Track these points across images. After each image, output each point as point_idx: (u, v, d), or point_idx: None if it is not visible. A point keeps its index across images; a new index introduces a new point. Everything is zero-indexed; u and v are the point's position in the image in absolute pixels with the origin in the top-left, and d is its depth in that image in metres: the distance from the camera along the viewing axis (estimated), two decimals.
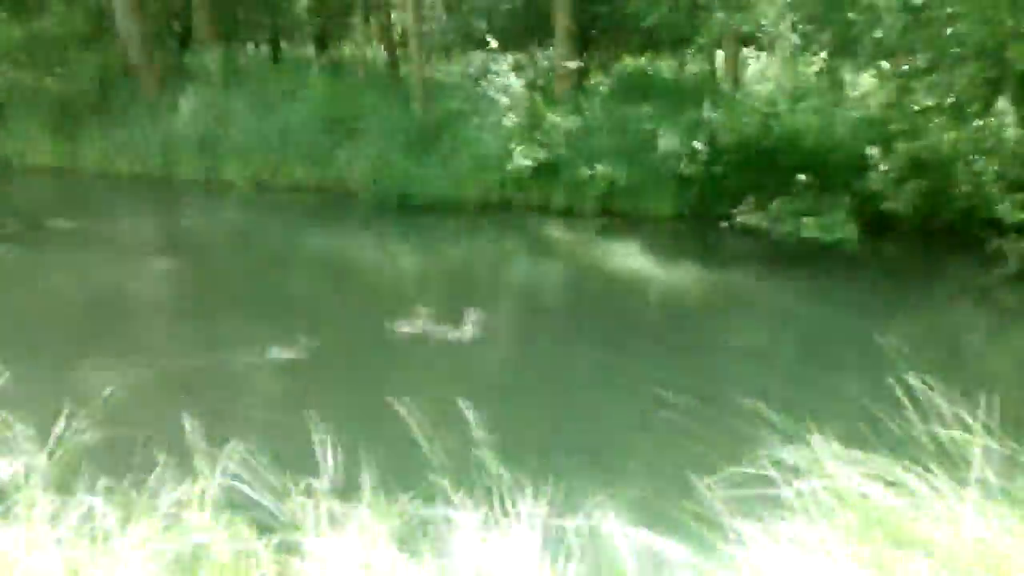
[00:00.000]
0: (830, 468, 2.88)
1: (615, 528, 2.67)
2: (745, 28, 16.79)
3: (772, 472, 2.98)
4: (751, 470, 2.99)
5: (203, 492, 3.32)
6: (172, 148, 19.81)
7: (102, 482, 3.45)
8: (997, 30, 11.26)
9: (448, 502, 3.21)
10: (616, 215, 16.40)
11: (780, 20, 16.56)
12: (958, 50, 12.03)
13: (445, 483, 3.30)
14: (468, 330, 10.10)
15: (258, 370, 8.98)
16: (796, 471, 2.97)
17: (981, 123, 13.55)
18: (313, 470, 3.48)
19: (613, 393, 8.62)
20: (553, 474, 3.25)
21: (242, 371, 8.98)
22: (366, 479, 3.35)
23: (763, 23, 16.62)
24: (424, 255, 14.88)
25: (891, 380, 3.37)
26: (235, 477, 3.42)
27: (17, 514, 3.29)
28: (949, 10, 11.87)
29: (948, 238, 14.44)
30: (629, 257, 14.02)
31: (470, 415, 3.66)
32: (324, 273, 13.54)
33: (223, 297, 11.60)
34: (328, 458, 3.44)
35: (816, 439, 2.97)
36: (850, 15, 13.72)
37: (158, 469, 3.50)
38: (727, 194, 15.67)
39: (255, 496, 3.35)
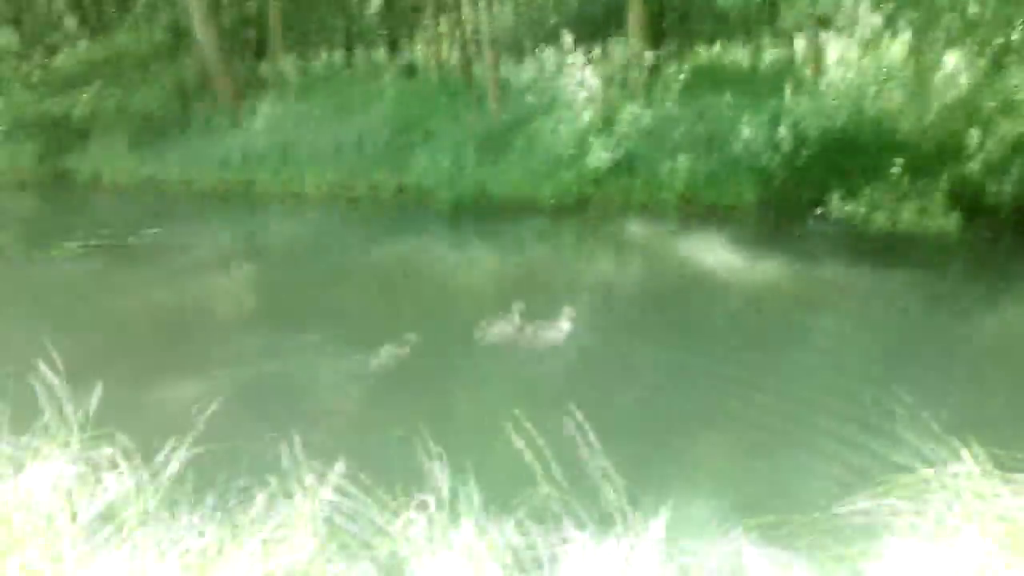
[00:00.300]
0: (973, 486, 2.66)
1: (749, 551, 2.50)
2: (825, 11, 16.26)
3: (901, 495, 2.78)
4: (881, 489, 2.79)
5: (309, 510, 3.27)
6: (251, 159, 20.10)
7: (209, 500, 3.43)
8: None
9: (559, 518, 3.08)
10: (697, 209, 16.06)
11: (861, 1, 16.04)
12: None
13: (554, 497, 3.19)
14: (557, 335, 9.96)
15: (354, 380, 8.98)
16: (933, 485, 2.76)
17: None
18: (419, 484, 3.41)
19: (722, 401, 8.35)
20: (668, 490, 3.11)
21: (337, 382, 9.01)
22: (474, 493, 3.25)
23: (843, 5, 16.12)
24: (505, 258, 14.73)
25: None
26: (341, 492, 3.36)
27: (126, 534, 3.28)
28: None
29: None
30: (713, 253, 13.68)
31: (573, 425, 3.54)
32: (406, 279, 13.53)
33: (310, 307, 11.66)
34: (435, 471, 3.35)
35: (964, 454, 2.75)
36: None
37: (264, 486, 3.47)
38: (811, 184, 15.23)
39: (361, 512, 3.29)
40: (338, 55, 30.69)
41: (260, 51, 27.69)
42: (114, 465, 3.58)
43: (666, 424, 7.74)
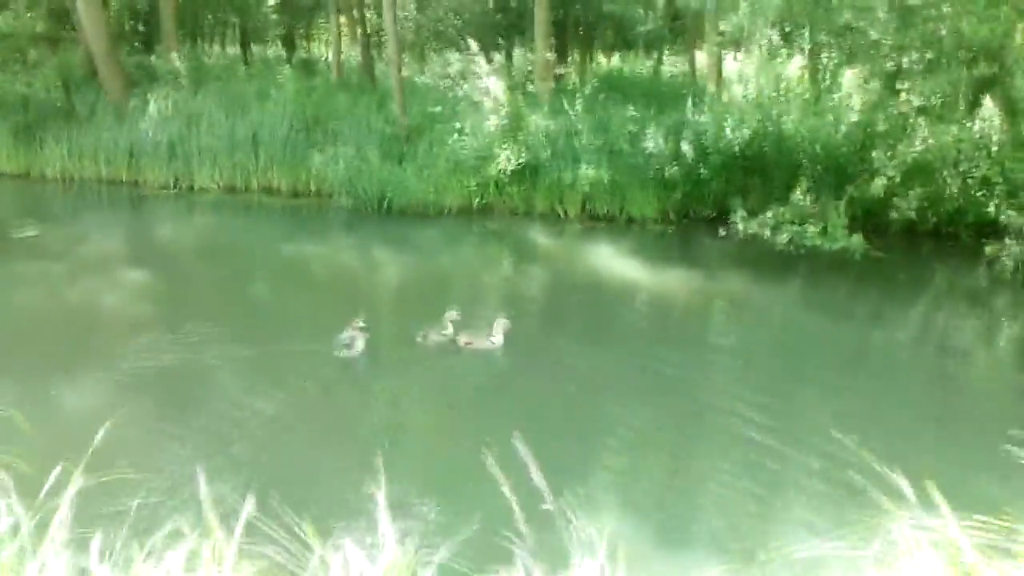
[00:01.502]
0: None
1: None
2: (727, 27, 16.54)
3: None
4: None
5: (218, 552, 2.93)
6: (140, 152, 19.23)
7: (98, 539, 3.04)
8: (996, 28, 11.11)
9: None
10: (600, 218, 16.11)
11: (760, 19, 16.35)
12: (952, 50, 11.83)
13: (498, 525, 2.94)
14: (457, 338, 9.76)
15: (249, 394, 8.55)
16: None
17: (968, 125, 13.41)
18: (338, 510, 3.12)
19: (630, 406, 8.30)
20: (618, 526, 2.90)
21: (220, 387, 8.56)
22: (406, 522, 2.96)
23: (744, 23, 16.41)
24: (406, 262, 14.43)
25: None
26: (253, 527, 3.03)
27: None
28: (947, 8, 11.69)
29: (935, 240, 14.36)
30: (617, 261, 13.71)
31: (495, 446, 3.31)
32: (302, 282, 13.06)
33: (195, 310, 10.99)
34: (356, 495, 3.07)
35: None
36: (843, 14, 13.45)
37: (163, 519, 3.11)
38: (713, 198, 15.47)
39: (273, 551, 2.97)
40: (232, 50, 29.87)
41: (149, 43, 26.64)
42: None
43: (587, 434, 7.61)
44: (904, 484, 2.70)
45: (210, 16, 31.56)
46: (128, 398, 8.32)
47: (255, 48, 30.71)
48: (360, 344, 9.45)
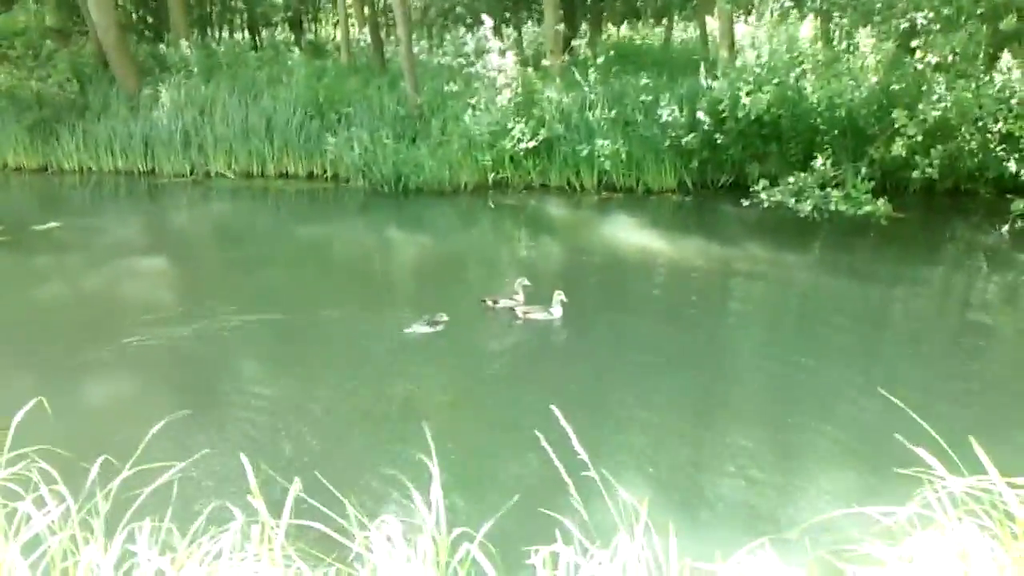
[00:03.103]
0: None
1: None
2: None
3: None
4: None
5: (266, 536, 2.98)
6: (155, 142, 19.30)
7: (146, 525, 3.10)
8: None
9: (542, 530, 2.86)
10: (617, 190, 16.07)
11: None
12: (970, 5, 11.65)
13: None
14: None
15: (271, 366, 8.63)
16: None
17: (988, 80, 13.21)
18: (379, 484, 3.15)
19: (659, 375, 8.33)
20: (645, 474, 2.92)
21: (255, 368, 8.65)
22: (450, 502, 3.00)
23: None
24: (423, 240, 14.48)
25: None
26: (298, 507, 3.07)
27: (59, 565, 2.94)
28: None
29: (954, 199, 14.24)
30: (636, 234, 13.67)
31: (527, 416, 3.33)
32: (321, 263, 13.13)
33: (222, 295, 11.04)
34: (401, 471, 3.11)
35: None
36: None
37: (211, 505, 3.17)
38: (730, 164, 15.37)
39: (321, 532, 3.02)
40: (241, 36, 29.83)
41: (159, 32, 26.62)
42: (36, 487, 3.21)
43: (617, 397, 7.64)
44: (943, 444, 2.71)
45: (217, 3, 31.54)
46: (157, 385, 8.43)
47: (263, 33, 30.64)
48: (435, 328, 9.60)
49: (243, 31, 31.57)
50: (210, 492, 5.82)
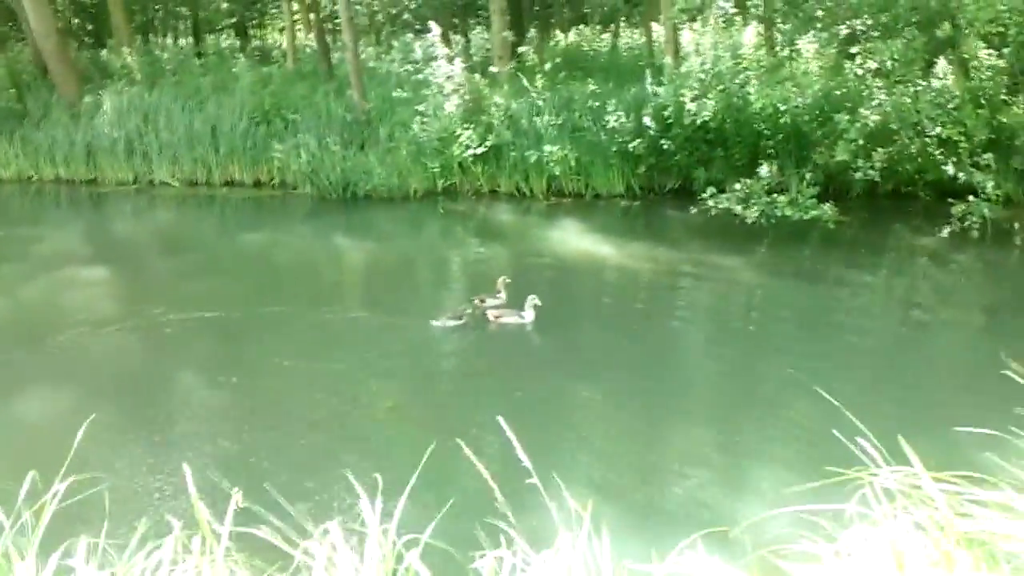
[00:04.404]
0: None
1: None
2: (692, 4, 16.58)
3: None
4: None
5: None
6: (98, 150, 18.94)
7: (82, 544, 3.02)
8: None
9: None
10: (566, 195, 16.13)
11: None
12: (906, 12, 11.95)
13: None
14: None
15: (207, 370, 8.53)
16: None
17: (925, 86, 13.53)
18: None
19: (600, 378, 8.39)
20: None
21: (192, 380, 8.53)
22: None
23: None
24: (370, 247, 14.44)
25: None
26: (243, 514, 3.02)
27: None
28: None
29: (895, 201, 14.53)
30: (585, 239, 13.75)
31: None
32: (265, 271, 13.00)
33: (161, 304, 10.84)
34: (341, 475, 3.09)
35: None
36: None
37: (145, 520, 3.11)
38: (677, 170, 15.51)
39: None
40: (185, 43, 29.47)
41: (100, 39, 26.19)
42: None
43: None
44: (875, 442, 2.76)
45: (160, 8, 31.09)
46: (97, 398, 8.28)
47: (208, 39, 30.27)
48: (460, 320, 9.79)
49: (187, 37, 31.16)
50: (149, 502, 5.74)
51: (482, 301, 10.14)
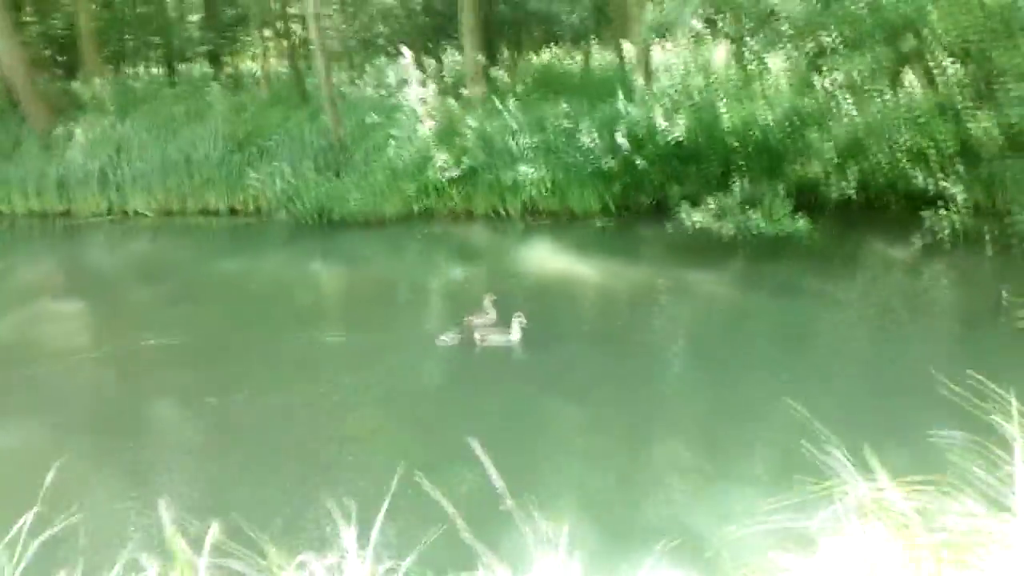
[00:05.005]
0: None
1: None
2: (653, 17, 16.68)
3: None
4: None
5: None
6: (71, 182, 18.80)
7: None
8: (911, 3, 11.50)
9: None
10: (542, 215, 16.17)
11: (686, 7, 16.53)
12: (872, 27, 12.14)
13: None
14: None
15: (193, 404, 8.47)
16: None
17: (893, 98, 13.71)
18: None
19: (584, 394, 8.40)
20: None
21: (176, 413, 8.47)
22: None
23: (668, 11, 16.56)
24: (347, 272, 14.43)
25: None
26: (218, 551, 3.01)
27: None
28: None
29: (868, 213, 14.67)
30: (561, 258, 13.80)
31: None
32: (242, 298, 12.93)
33: (134, 334, 10.84)
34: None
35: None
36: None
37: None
38: (651, 187, 15.60)
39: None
40: (158, 71, 29.37)
41: (71, 69, 26.05)
42: None
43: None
44: (848, 455, 2.79)
45: (131, 38, 30.97)
46: (69, 431, 8.19)
47: (180, 67, 30.18)
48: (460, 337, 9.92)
49: (160, 66, 31.02)
50: (125, 536, 5.69)
51: (470, 322, 10.11)
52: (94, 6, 25.26)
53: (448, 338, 9.88)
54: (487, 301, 10.27)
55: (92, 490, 6.58)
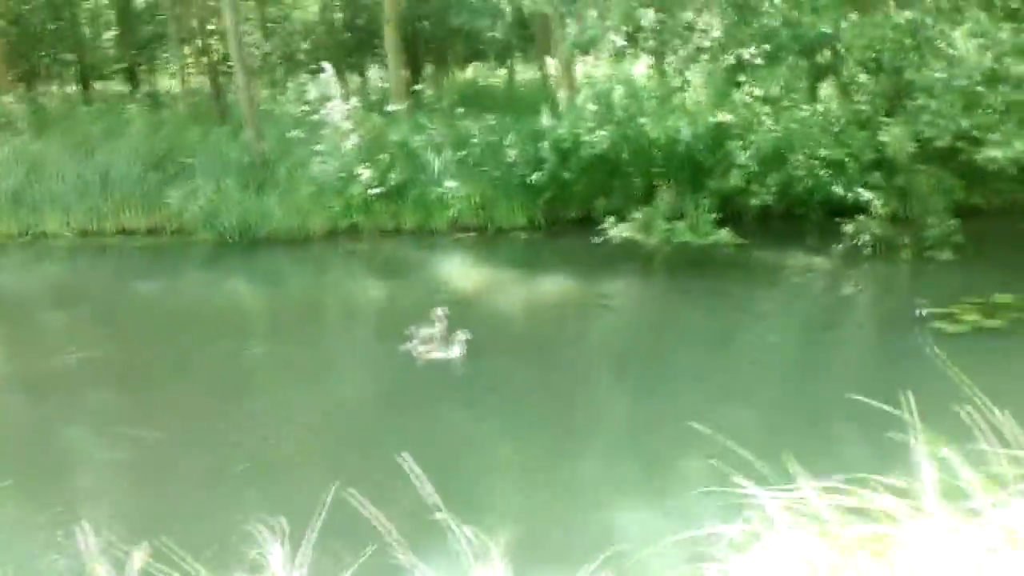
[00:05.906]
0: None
1: None
2: (574, 33, 16.91)
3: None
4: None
5: None
6: None
7: None
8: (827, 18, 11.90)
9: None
10: (469, 230, 16.18)
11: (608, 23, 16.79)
12: (788, 42, 12.51)
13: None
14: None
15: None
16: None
17: (810, 110, 14.12)
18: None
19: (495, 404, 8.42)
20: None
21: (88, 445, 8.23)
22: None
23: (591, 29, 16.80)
24: (271, 290, 14.26)
25: None
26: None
27: None
28: (780, 3, 12.38)
29: (787, 222, 15.03)
30: (486, 272, 13.85)
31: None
32: (161, 320, 12.64)
33: (48, 358, 10.50)
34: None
35: None
36: (686, 15, 14.00)
37: None
38: (577, 200, 15.74)
39: None
40: (72, 89, 28.67)
41: None
42: None
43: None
44: (768, 462, 2.86)
45: (44, 55, 30.15)
46: None
47: (96, 85, 29.47)
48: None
49: (74, 84, 30.25)
50: (46, 566, 5.50)
51: (416, 332, 9.97)
52: (3, 22, 24.54)
53: (412, 346, 9.77)
54: (439, 312, 10.11)
55: (5, 520, 6.35)
